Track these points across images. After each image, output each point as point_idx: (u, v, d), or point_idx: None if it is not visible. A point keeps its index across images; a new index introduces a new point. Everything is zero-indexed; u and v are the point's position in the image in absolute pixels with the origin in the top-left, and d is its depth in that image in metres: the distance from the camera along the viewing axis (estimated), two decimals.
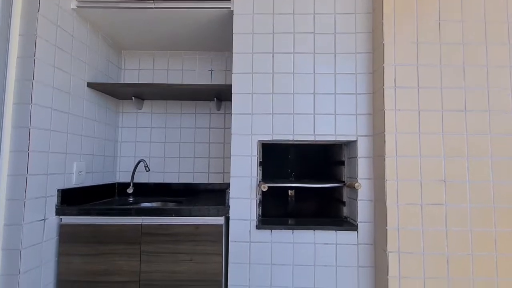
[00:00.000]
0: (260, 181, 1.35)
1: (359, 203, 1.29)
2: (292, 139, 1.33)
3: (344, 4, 1.36)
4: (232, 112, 1.34)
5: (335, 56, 1.35)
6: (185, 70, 1.91)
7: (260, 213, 1.43)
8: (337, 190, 1.55)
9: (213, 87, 1.64)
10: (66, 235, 1.30)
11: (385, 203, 1.17)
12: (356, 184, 1.22)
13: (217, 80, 1.90)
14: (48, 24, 1.24)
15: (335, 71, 1.34)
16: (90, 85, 1.53)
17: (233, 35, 1.37)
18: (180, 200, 1.70)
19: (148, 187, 1.82)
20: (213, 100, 1.81)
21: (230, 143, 1.81)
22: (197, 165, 1.86)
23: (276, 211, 1.64)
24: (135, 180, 1.76)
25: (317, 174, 1.71)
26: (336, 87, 1.34)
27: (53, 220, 1.28)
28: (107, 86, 1.60)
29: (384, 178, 1.18)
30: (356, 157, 1.32)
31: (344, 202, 1.46)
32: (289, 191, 1.65)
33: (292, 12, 1.36)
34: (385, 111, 1.19)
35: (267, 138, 1.33)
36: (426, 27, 1.22)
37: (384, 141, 1.19)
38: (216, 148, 1.87)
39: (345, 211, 1.46)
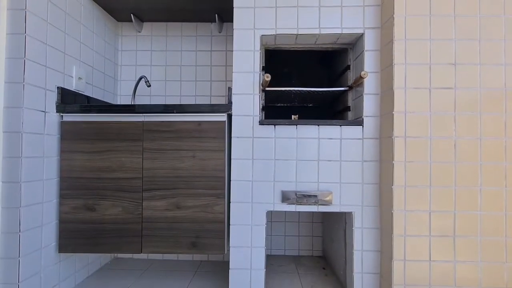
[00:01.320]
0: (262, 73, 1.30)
1: (365, 97, 1.26)
2: (296, 33, 1.27)
3: None
4: (234, 5, 1.29)
5: None
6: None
7: (263, 106, 1.40)
8: (343, 98, 1.52)
9: None
10: (67, 133, 1.29)
11: (392, 89, 1.14)
12: (363, 73, 1.18)
13: None
14: None
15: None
16: None
17: None
18: None
19: None
20: (215, 21, 1.75)
21: (232, 66, 1.81)
22: (198, 88, 1.83)
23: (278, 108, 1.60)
24: (136, 103, 1.74)
25: (322, 85, 1.67)
26: None
27: (54, 116, 1.27)
28: None
29: (392, 64, 1.14)
30: (363, 51, 1.27)
31: (349, 107, 1.43)
32: (293, 97, 1.61)
33: None
34: None
35: (270, 32, 1.28)
36: None
37: (393, 24, 1.14)
38: (218, 71, 1.82)
39: (350, 116, 1.43)
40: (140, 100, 1.79)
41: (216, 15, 1.70)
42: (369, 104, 1.25)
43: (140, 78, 1.69)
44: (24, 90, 1.11)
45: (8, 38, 1.11)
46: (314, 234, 1.82)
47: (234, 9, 1.29)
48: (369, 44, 1.26)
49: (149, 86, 1.67)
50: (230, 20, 1.66)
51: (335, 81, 1.67)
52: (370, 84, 1.25)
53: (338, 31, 1.27)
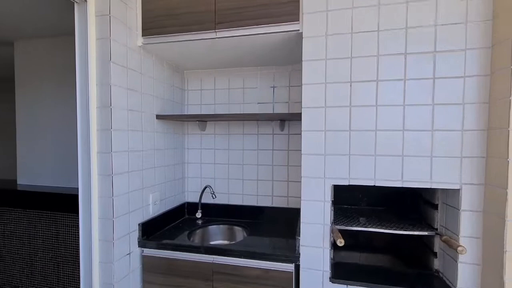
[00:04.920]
0: (333, 226, 1.21)
1: (460, 265, 1.06)
2: (373, 184, 1.14)
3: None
4: (302, 152, 1.21)
5: (433, 82, 1.07)
6: (247, 88, 1.82)
7: (332, 257, 1.31)
8: (427, 236, 1.32)
9: (275, 116, 1.54)
10: (148, 265, 1.42)
11: (502, 278, 0.93)
12: (460, 249, 0.99)
13: (280, 96, 1.76)
14: (119, 69, 1.27)
15: (433, 101, 1.07)
16: (159, 117, 1.57)
17: (303, 62, 1.20)
18: (245, 223, 1.71)
19: (214, 208, 1.86)
20: (277, 120, 1.70)
21: (294, 166, 1.74)
22: (260, 187, 1.81)
23: (348, 255, 1.49)
24: (203, 201, 1.82)
25: (399, 212, 1.48)
26: (434, 122, 1.07)
27: (136, 252, 1.40)
28: (174, 117, 1.62)
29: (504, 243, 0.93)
30: (459, 210, 1.07)
31: (436, 253, 1.23)
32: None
33: (377, 29, 1.11)
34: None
35: (343, 182, 1.17)
36: None
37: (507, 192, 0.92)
38: (280, 171, 1.78)
39: (437, 264, 1.23)
40: (206, 198, 1.85)
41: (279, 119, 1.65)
42: (465, 276, 1.06)
43: (205, 187, 1.75)
44: (114, 246, 1.25)
45: (99, 201, 1.25)
46: None
47: (302, 155, 1.21)
48: (467, 203, 1.05)
49: (215, 198, 1.72)
50: (293, 119, 1.59)
51: (416, 202, 1.47)
52: (468, 255, 1.05)
53: (427, 185, 1.09)
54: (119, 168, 1.27)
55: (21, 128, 2.68)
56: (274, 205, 1.79)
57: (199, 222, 1.76)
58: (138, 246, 1.41)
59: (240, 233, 1.70)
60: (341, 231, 1.15)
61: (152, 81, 1.53)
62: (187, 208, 1.92)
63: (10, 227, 2.47)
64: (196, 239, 1.65)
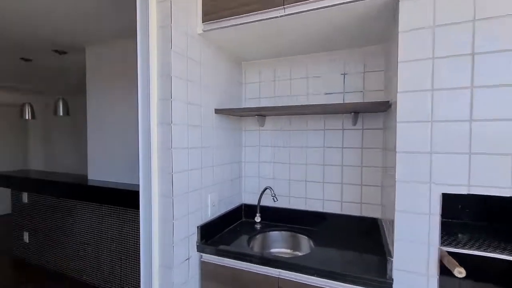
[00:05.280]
0: (441, 248, 0.92)
1: None
2: (509, 195, 0.82)
3: None
4: (396, 149, 0.94)
5: None
6: (311, 78, 1.59)
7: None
8: None
9: (349, 107, 1.29)
10: (207, 273, 1.30)
11: None
12: None
13: (352, 84, 1.49)
14: (179, 59, 1.17)
15: None
16: (217, 111, 1.46)
17: (399, 34, 0.93)
18: (309, 231, 1.51)
19: (274, 212, 1.68)
20: (350, 113, 1.45)
21: (369, 167, 1.46)
22: (327, 191, 1.57)
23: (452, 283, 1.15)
24: (261, 203, 1.66)
25: (508, 230, 1.10)
26: None
27: (195, 256, 1.29)
28: (233, 111, 1.48)
29: None
30: None
31: None
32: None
33: None
34: None
35: (458, 190, 0.87)
36: None
37: None
38: (351, 172, 1.51)
39: None
40: (265, 200, 1.69)
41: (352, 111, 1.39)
42: None
43: (265, 189, 1.58)
44: (174, 250, 1.15)
45: (160, 200, 1.17)
46: None
47: (397, 154, 0.94)
48: None
49: (276, 201, 1.54)
50: (368, 110, 1.33)
51: None
52: None
53: None
54: (179, 166, 1.17)
55: (91, 128, 2.90)
56: (344, 212, 1.53)
57: (258, 226, 1.59)
58: (197, 251, 1.30)
59: (305, 242, 1.48)
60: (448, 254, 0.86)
61: (211, 73, 1.42)
62: (244, 210, 1.78)
63: (81, 219, 2.67)
64: (256, 246, 1.49)
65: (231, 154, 1.65)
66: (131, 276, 2.34)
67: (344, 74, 1.52)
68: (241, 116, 1.73)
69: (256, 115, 1.62)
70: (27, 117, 3.40)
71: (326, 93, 1.56)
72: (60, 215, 2.79)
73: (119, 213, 2.40)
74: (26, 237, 3.09)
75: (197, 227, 1.30)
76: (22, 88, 4.84)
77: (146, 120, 1.13)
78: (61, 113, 3.01)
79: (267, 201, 1.65)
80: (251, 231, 1.53)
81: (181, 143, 1.19)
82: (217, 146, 1.49)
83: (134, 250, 2.32)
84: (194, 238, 1.29)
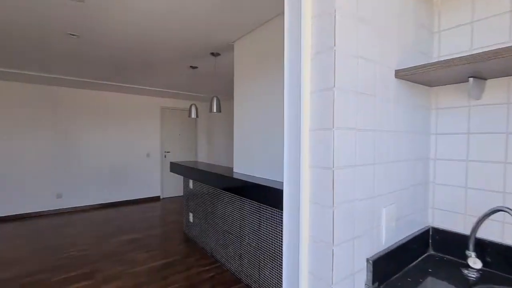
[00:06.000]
0: None
1: None
2: None
3: None
4: None
5: None
6: None
7: None
8: None
9: None
10: None
11: None
12: None
13: None
14: None
15: None
16: (399, 74, 0.89)
17: None
18: None
19: (504, 252, 0.91)
20: None
21: None
22: None
23: None
24: (478, 234, 0.93)
25: None
26: None
27: None
28: (426, 69, 0.87)
29: None
30: None
31: None
32: None
33: None
34: None
35: None
36: None
37: None
38: None
39: None
40: (483, 231, 0.96)
41: None
42: None
43: (493, 212, 0.85)
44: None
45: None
46: None
47: None
48: None
49: None
50: None
51: None
52: None
53: None
54: (342, 157, 0.72)
55: (237, 124, 3.00)
56: None
57: (473, 275, 0.89)
58: None
59: None
60: None
61: (390, 9, 0.88)
62: (433, 238, 1.10)
63: (226, 210, 2.78)
64: None
65: (412, 146, 1.03)
66: (269, 275, 2.15)
67: None
68: (430, 86, 1.07)
69: (471, 76, 0.91)
70: (193, 116, 4.06)
71: None
72: (211, 202, 3.06)
73: (259, 208, 2.27)
74: (191, 217, 3.66)
75: (367, 260, 0.80)
76: (190, 94, 6.01)
77: (295, 87, 0.75)
78: (214, 110, 3.32)
79: (490, 233, 0.92)
80: (458, 280, 0.86)
81: (346, 120, 0.73)
82: (395, 130, 0.93)
83: (272, 249, 2.10)
84: (362, 277, 0.80)
